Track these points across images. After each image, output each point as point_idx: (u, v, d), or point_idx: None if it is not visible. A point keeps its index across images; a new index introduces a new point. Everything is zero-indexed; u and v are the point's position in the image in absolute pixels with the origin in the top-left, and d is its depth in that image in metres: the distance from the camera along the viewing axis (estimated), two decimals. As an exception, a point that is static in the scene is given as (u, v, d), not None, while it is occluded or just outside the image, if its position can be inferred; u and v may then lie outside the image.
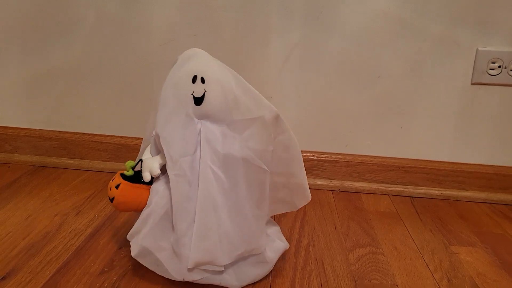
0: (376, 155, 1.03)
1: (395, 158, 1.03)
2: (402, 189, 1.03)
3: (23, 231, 0.79)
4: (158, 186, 0.65)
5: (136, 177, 0.66)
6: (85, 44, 1.00)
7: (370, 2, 0.93)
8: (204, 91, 0.62)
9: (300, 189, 0.71)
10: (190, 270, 0.63)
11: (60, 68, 1.03)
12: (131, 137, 1.06)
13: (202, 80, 0.62)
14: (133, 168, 0.67)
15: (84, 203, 0.90)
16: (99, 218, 0.85)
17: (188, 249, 0.62)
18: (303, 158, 0.98)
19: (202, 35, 0.98)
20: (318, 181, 1.04)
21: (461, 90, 0.98)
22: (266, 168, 0.64)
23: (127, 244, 0.76)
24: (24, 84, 1.05)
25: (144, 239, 0.64)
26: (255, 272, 0.68)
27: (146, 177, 0.65)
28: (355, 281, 0.70)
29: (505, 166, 1.01)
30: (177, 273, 0.64)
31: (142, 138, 1.05)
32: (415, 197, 1.03)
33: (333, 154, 1.03)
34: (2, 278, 0.66)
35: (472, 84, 0.97)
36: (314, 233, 0.84)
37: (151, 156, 0.67)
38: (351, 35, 0.96)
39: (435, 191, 1.03)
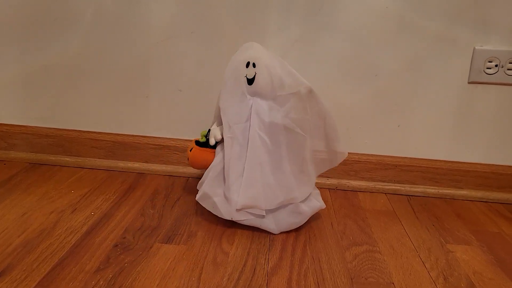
0: (373, 153, 1.03)
1: (392, 157, 1.03)
2: (399, 187, 1.03)
3: (19, 228, 0.79)
4: (219, 149, 0.84)
5: (206, 143, 0.86)
6: (82, 40, 1.00)
7: (368, 0, 0.93)
8: (254, 73, 0.79)
9: (337, 148, 0.85)
10: (237, 211, 0.79)
11: (57, 65, 1.02)
12: (128, 135, 1.05)
13: (254, 65, 0.79)
14: (205, 136, 0.87)
15: (80, 201, 0.90)
16: (95, 216, 0.84)
17: (236, 194, 0.79)
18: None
19: (200, 32, 0.97)
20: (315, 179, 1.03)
21: (458, 89, 0.98)
22: (303, 133, 0.79)
23: (123, 241, 0.76)
24: (21, 80, 1.04)
25: (205, 186, 0.82)
26: (291, 220, 0.82)
27: (211, 141, 0.85)
28: (351, 279, 0.70)
29: (501, 165, 1.02)
30: (227, 214, 0.80)
31: (139, 136, 1.07)
32: (412, 196, 1.03)
33: (330, 152, 1.03)
34: (-3, 275, 0.66)
35: (469, 83, 0.97)
36: (310, 231, 0.84)
37: (216, 126, 0.86)
38: (349, 33, 0.96)
39: (432, 190, 1.03)
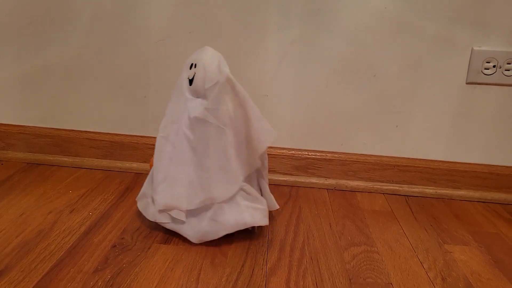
0: (371, 154, 1.03)
1: (390, 157, 1.03)
2: (397, 188, 1.03)
3: (17, 229, 0.78)
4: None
5: None
6: (80, 40, 1.00)
7: (367, 1, 0.93)
8: (194, 73, 0.77)
9: (260, 137, 0.79)
10: (159, 212, 0.78)
11: (55, 65, 1.02)
12: (126, 135, 1.05)
13: (195, 66, 0.77)
14: None
15: (78, 201, 0.90)
16: (93, 216, 0.84)
17: (160, 196, 0.77)
18: (298, 156, 1.00)
19: (198, 32, 0.97)
20: (314, 180, 1.04)
21: (456, 90, 0.98)
22: (221, 125, 0.75)
23: (121, 242, 0.76)
24: (18, 80, 1.04)
25: (143, 187, 0.83)
26: (205, 228, 0.77)
27: None
28: (350, 279, 0.70)
29: (499, 166, 1.02)
30: (151, 215, 0.79)
31: (137, 136, 1.06)
32: (410, 196, 1.03)
33: (329, 152, 1.03)
34: (-5, 276, 0.66)
35: (467, 83, 0.97)
36: (309, 231, 0.84)
37: None
38: (348, 33, 0.96)
39: (429, 190, 1.03)
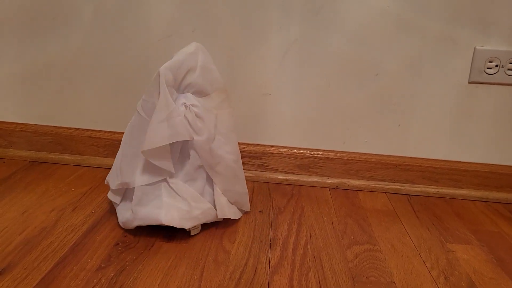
0: (373, 152, 1.03)
1: (392, 156, 1.03)
2: (399, 187, 1.04)
3: (19, 227, 0.78)
4: None
5: None
6: (82, 38, 1.00)
7: (369, 0, 0.93)
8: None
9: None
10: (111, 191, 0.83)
11: (56, 63, 1.02)
12: (128, 133, 1.05)
13: None
14: None
15: (80, 199, 0.90)
16: (95, 214, 0.84)
17: None
18: (300, 155, 1.00)
19: (201, 30, 0.97)
20: (316, 179, 1.04)
21: (459, 89, 0.98)
22: (146, 117, 0.77)
23: (124, 240, 0.76)
24: (20, 78, 1.04)
25: None
26: (127, 216, 0.78)
27: None
28: (353, 278, 0.70)
29: (501, 165, 1.02)
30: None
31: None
32: (412, 195, 1.03)
33: (331, 151, 1.03)
34: (-2, 273, 0.66)
35: (469, 83, 0.97)
36: (311, 230, 0.84)
37: None
38: (350, 32, 0.96)
39: (431, 189, 1.03)
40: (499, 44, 0.95)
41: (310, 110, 1.01)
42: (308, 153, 1.03)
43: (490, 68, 0.96)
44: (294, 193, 1.00)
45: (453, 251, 0.81)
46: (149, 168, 0.77)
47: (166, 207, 0.76)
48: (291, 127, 1.03)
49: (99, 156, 1.06)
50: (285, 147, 1.03)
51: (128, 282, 0.66)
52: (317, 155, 1.03)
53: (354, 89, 0.99)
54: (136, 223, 0.77)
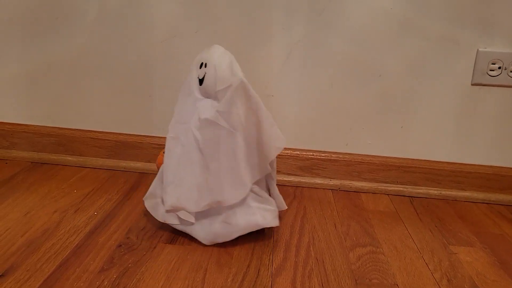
0: (376, 154, 1.03)
1: (395, 158, 1.03)
2: (401, 188, 1.03)
3: (22, 228, 0.78)
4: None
5: None
6: (85, 39, 1.00)
7: (372, 1, 0.93)
8: (204, 73, 0.76)
9: (271, 143, 0.79)
10: (167, 212, 0.78)
11: (59, 63, 1.02)
12: (131, 134, 1.05)
13: (205, 65, 0.76)
14: None
15: (83, 200, 0.90)
16: (98, 216, 0.84)
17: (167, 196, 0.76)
18: (303, 157, 1.00)
19: (204, 31, 0.97)
20: (318, 180, 1.04)
21: (461, 91, 0.98)
22: (231, 128, 0.75)
23: (126, 241, 0.76)
24: (23, 79, 1.04)
25: (151, 187, 0.81)
26: (218, 230, 0.77)
27: None
28: (355, 280, 0.70)
29: (503, 167, 1.02)
30: (161, 216, 0.79)
31: (142, 135, 1.06)
32: (415, 197, 1.03)
33: (333, 153, 1.03)
34: (1, 275, 0.66)
35: (472, 84, 0.97)
36: (314, 232, 0.84)
37: None
38: (353, 33, 0.95)
39: (434, 191, 1.03)
40: (502, 46, 0.94)
41: (313, 112, 1.01)
42: (310, 155, 1.03)
43: (493, 70, 0.95)
44: (297, 194, 1.00)
45: (456, 253, 0.80)
46: (240, 180, 0.77)
47: (258, 211, 0.78)
48: (293, 129, 1.03)
49: (101, 157, 1.06)
50: (288, 149, 1.03)
51: (131, 284, 0.66)
52: (319, 157, 1.03)
53: (357, 90, 0.99)
54: (235, 234, 0.77)
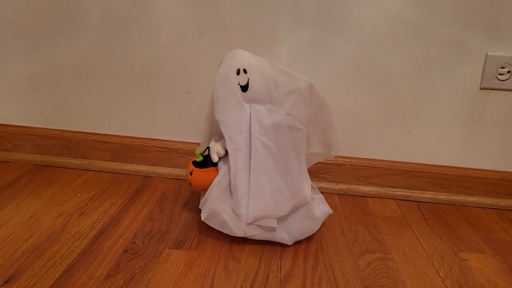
0: (383, 158, 1.02)
1: (402, 162, 1.02)
2: (408, 193, 1.02)
3: (26, 232, 0.77)
4: (222, 164, 0.79)
5: (205, 162, 0.80)
6: (89, 41, 0.99)
7: (379, 4, 0.92)
8: (247, 79, 0.76)
9: (331, 141, 0.84)
10: (248, 225, 0.76)
11: (63, 65, 1.01)
12: (135, 137, 1.04)
13: (245, 71, 0.76)
14: (202, 154, 0.81)
15: (87, 204, 0.89)
16: (103, 220, 0.83)
17: (245, 209, 0.75)
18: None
19: (209, 34, 0.96)
20: (324, 185, 1.02)
21: (470, 95, 0.97)
22: (303, 127, 0.77)
23: (132, 247, 0.75)
24: (26, 81, 1.03)
25: (211, 204, 0.77)
26: (304, 227, 0.79)
27: (215, 158, 0.80)
28: (365, 287, 0.69)
29: (512, 172, 1.01)
30: (238, 230, 0.77)
31: (146, 138, 1.05)
32: (422, 202, 1.02)
33: (340, 157, 1.02)
34: (5, 281, 0.64)
35: (481, 89, 0.96)
36: (322, 237, 0.83)
37: (215, 142, 0.81)
38: (360, 36, 0.94)
39: (441, 196, 1.02)
40: (511, 50, 0.94)
41: (319, 115, 1.00)
42: (317, 159, 1.02)
43: (502, 74, 0.94)
44: (303, 199, 0.99)
45: (466, 260, 0.79)
46: (307, 173, 0.80)
47: (321, 201, 0.84)
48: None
49: (105, 160, 1.05)
50: (294, 153, 1.02)
51: (138, 291, 0.65)
52: (326, 161, 1.01)
53: (364, 94, 0.98)
54: (316, 228, 0.81)
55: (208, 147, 0.82)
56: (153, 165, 1.05)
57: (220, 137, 0.81)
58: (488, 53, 0.94)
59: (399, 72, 0.96)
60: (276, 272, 0.72)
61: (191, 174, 0.80)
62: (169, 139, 1.04)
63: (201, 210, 0.80)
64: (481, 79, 0.96)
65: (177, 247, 0.76)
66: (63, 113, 1.05)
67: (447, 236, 0.87)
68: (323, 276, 0.71)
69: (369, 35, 0.94)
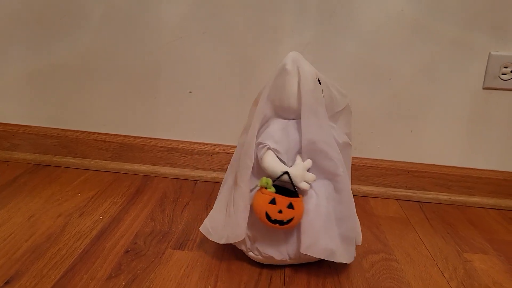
0: (385, 158, 1.02)
1: (404, 162, 1.01)
2: (410, 193, 1.02)
3: (26, 233, 0.76)
4: (312, 191, 0.67)
5: (284, 189, 0.66)
6: (90, 40, 0.98)
7: (383, 3, 0.92)
8: (322, 91, 0.69)
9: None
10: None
11: (64, 64, 1.00)
12: (135, 136, 1.03)
13: (319, 81, 0.69)
14: (273, 183, 0.66)
15: (87, 204, 0.88)
16: (104, 220, 0.82)
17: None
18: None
19: (211, 33, 0.95)
20: (326, 185, 1.02)
21: (473, 95, 0.96)
22: (351, 143, 0.76)
23: (134, 247, 0.74)
24: (26, 79, 1.01)
25: (325, 243, 0.67)
26: (351, 243, 0.70)
27: (305, 186, 0.66)
28: (370, 288, 0.69)
29: (514, 172, 1.01)
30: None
31: (147, 138, 1.03)
32: (424, 202, 1.01)
33: (342, 157, 1.01)
34: (6, 282, 0.63)
35: (483, 88, 0.96)
36: (325, 238, 0.82)
37: (299, 162, 0.67)
38: (363, 36, 0.94)
39: (443, 196, 1.02)
40: (514, 49, 0.93)
41: (321, 115, 0.99)
42: (318, 159, 1.01)
43: (505, 74, 0.94)
44: (305, 199, 0.98)
45: (470, 260, 0.79)
46: None
47: None
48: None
49: (105, 160, 1.04)
50: (296, 152, 1.01)
51: (140, 292, 0.64)
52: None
53: (366, 94, 0.98)
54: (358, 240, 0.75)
55: (286, 172, 0.66)
56: (154, 164, 1.04)
57: (294, 155, 0.69)
58: (491, 53, 0.94)
59: (401, 72, 0.96)
60: (280, 273, 0.71)
61: (290, 206, 0.64)
62: (169, 139, 1.03)
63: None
64: (484, 79, 0.95)
65: (179, 248, 0.75)
66: (63, 112, 1.04)
67: (451, 237, 0.87)
68: (327, 277, 0.71)
69: (372, 35, 0.94)
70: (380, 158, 1.02)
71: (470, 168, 1.01)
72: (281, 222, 0.64)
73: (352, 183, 1.01)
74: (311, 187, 0.67)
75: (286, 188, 0.66)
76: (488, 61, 0.94)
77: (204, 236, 0.75)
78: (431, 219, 0.93)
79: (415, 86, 0.96)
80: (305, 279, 0.70)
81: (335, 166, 0.67)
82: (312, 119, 0.67)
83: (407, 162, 1.01)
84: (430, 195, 1.02)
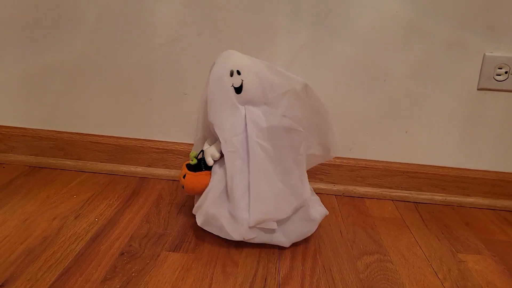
0: (380, 159, 1.02)
1: (400, 163, 1.02)
2: (406, 194, 1.02)
3: (21, 235, 0.76)
4: (217, 168, 0.78)
5: (199, 165, 0.79)
6: (85, 41, 0.98)
7: (377, 4, 0.92)
8: (241, 81, 0.75)
9: (330, 143, 0.83)
10: (250, 228, 0.74)
11: (58, 66, 1.00)
12: (131, 138, 1.03)
13: (238, 73, 0.75)
14: (196, 157, 0.80)
15: (83, 206, 0.88)
16: (99, 222, 0.82)
17: (245, 212, 0.74)
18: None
19: (206, 34, 0.95)
20: (322, 186, 1.02)
21: (467, 96, 0.97)
22: (301, 129, 0.76)
23: (129, 249, 0.74)
24: (21, 81, 1.01)
25: (207, 209, 0.75)
26: (302, 229, 0.78)
27: (210, 161, 0.78)
28: (364, 290, 0.69)
29: (509, 173, 1.01)
30: (237, 234, 0.75)
31: (142, 139, 1.04)
32: (419, 203, 1.02)
33: (337, 158, 1.01)
34: (0, 285, 0.63)
35: (478, 89, 0.96)
36: (320, 239, 0.83)
37: (209, 145, 0.80)
38: (358, 37, 0.94)
39: (439, 197, 1.02)
40: (509, 50, 0.93)
41: (316, 116, 1.00)
42: (314, 160, 1.01)
43: (500, 75, 0.94)
44: (300, 200, 0.98)
45: (465, 261, 0.79)
46: (306, 175, 0.79)
47: (317, 202, 0.83)
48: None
49: (101, 162, 1.04)
50: (291, 154, 1.01)
51: (135, 295, 0.64)
52: (323, 162, 1.01)
53: (361, 95, 0.98)
54: (314, 229, 0.80)
55: (202, 150, 0.80)
56: (149, 166, 1.04)
57: (214, 140, 0.80)
58: (486, 54, 0.94)
59: (396, 73, 0.96)
60: (274, 274, 0.71)
61: (184, 177, 0.78)
62: (165, 140, 1.03)
63: (195, 215, 0.79)
64: (479, 80, 0.95)
65: (174, 250, 0.76)
66: (59, 114, 1.04)
67: (445, 237, 0.87)
68: (321, 278, 0.71)
69: (367, 36, 0.94)
70: (376, 159, 1.02)
71: (465, 169, 1.01)
72: (182, 187, 0.80)
73: (348, 184, 1.03)
74: (215, 163, 0.78)
75: (205, 163, 0.79)
76: (482, 62, 0.94)
77: (200, 238, 0.75)
78: (426, 220, 0.94)
79: (410, 87, 0.97)
80: (299, 280, 0.70)
81: (223, 144, 0.76)
82: (210, 104, 0.76)
83: (403, 163, 1.02)
84: (425, 196, 1.02)
